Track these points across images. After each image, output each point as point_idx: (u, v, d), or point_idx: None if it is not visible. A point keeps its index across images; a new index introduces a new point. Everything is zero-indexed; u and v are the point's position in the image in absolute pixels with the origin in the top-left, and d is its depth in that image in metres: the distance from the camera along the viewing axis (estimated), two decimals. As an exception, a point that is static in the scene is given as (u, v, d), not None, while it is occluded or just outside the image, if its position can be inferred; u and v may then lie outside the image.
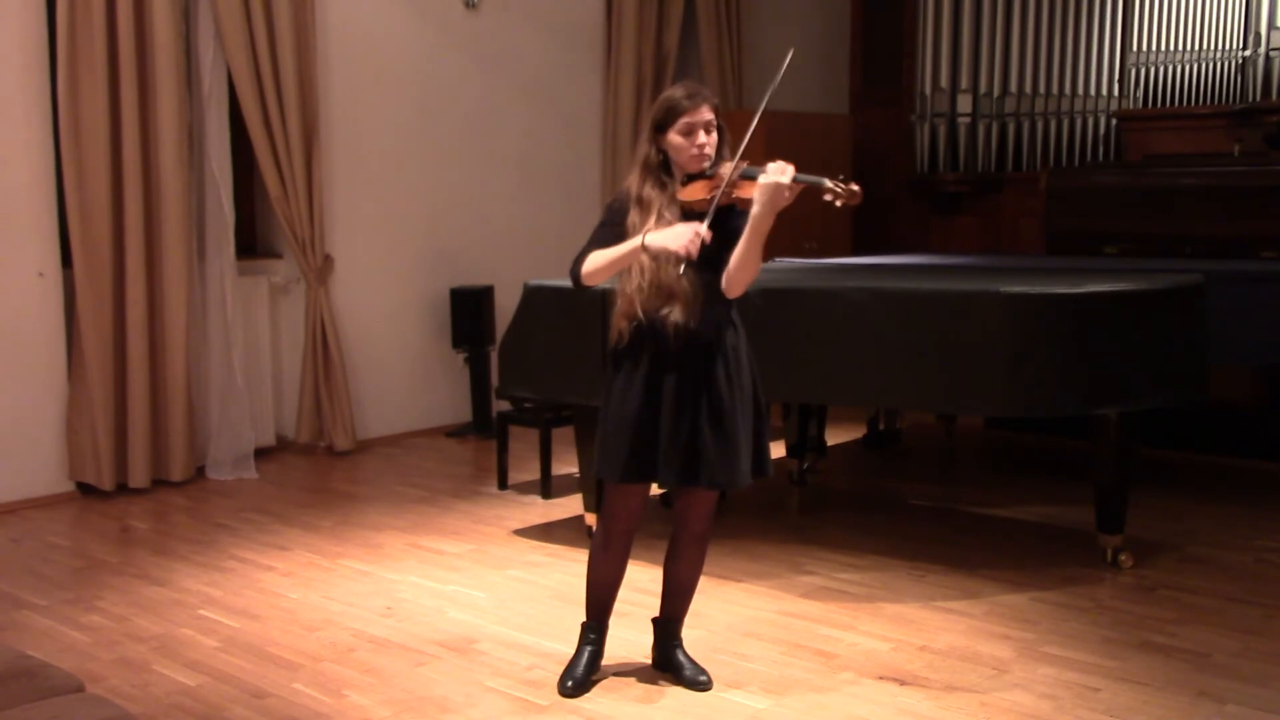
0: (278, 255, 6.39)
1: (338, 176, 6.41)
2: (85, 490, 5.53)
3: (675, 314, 3.06)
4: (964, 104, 8.13)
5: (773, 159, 3.01)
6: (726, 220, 3.04)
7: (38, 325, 5.39)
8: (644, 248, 3.01)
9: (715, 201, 3.01)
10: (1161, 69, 7.63)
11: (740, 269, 3.04)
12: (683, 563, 3.36)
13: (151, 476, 5.63)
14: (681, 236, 2.94)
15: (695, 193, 3.09)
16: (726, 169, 3.05)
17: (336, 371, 6.28)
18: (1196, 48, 7.51)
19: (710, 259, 3.02)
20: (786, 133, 7.67)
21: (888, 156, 8.66)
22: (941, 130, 8.15)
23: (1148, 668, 3.45)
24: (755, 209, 2.97)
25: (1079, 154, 7.97)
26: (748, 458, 3.19)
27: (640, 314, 3.09)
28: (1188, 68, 7.55)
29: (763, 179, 2.95)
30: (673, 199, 3.10)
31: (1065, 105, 7.98)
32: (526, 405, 5.49)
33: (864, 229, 8.46)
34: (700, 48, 8.03)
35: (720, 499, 5.21)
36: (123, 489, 5.57)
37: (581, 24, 7.58)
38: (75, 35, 5.25)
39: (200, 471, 5.85)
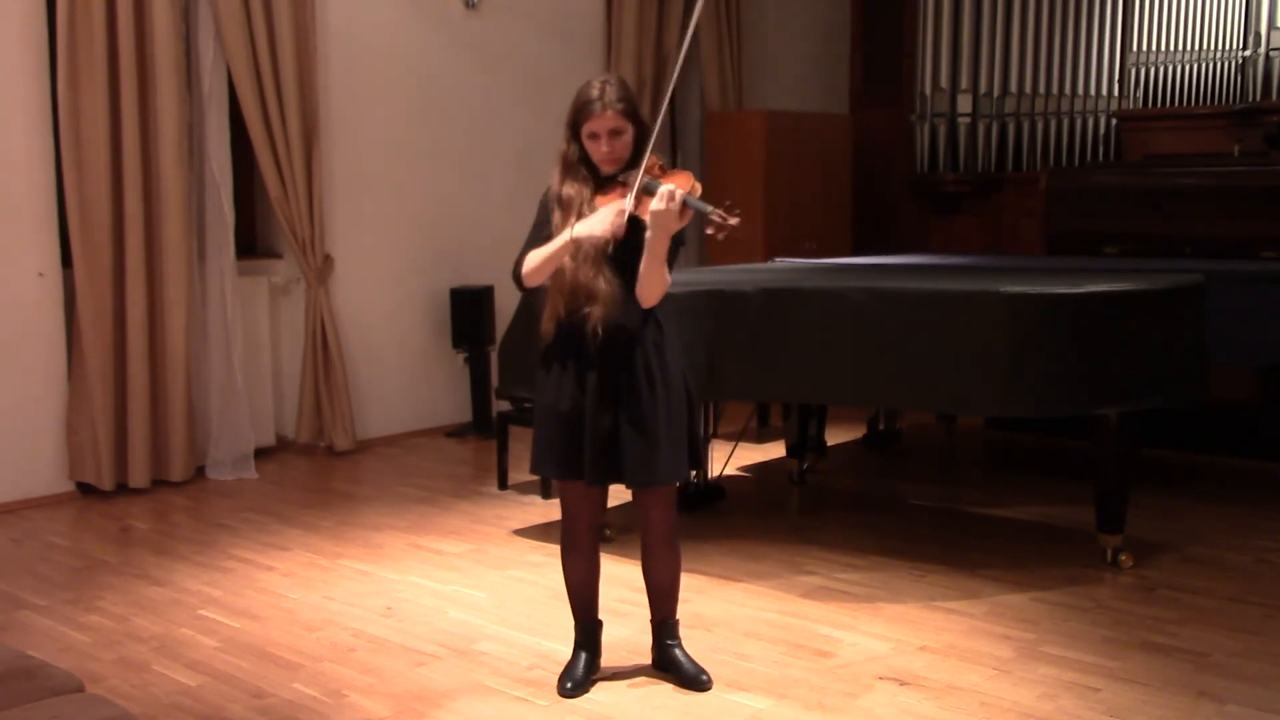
0: (278, 255, 6.40)
1: (338, 176, 6.41)
2: (85, 490, 5.53)
3: (595, 313, 3.08)
4: (964, 104, 8.14)
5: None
6: (635, 229, 3.06)
7: (38, 325, 5.39)
8: (574, 240, 3.06)
9: (627, 214, 3.03)
10: (1161, 69, 7.64)
11: (644, 284, 3.11)
12: (656, 563, 3.35)
13: (151, 476, 5.63)
14: (605, 220, 3.01)
15: (609, 202, 3.10)
16: (636, 176, 3.08)
17: (336, 371, 6.28)
18: (1196, 48, 7.51)
19: (627, 265, 3.09)
20: (787, 133, 7.68)
21: (888, 156, 8.66)
22: (941, 130, 8.16)
23: (1148, 668, 3.45)
24: (648, 233, 3.02)
25: (1079, 154, 7.97)
26: (675, 453, 3.19)
27: (563, 313, 3.13)
28: (1188, 68, 7.55)
29: (653, 206, 2.98)
30: (591, 199, 3.12)
31: (1065, 105, 7.99)
32: (526, 405, 5.49)
33: (864, 229, 8.47)
34: (700, 48, 8.03)
35: (720, 499, 5.26)
36: (123, 489, 5.57)
37: (581, 24, 7.58)
38: (75, 35, 5.25)
39: (200, 471, 5.85)
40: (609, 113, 3.07)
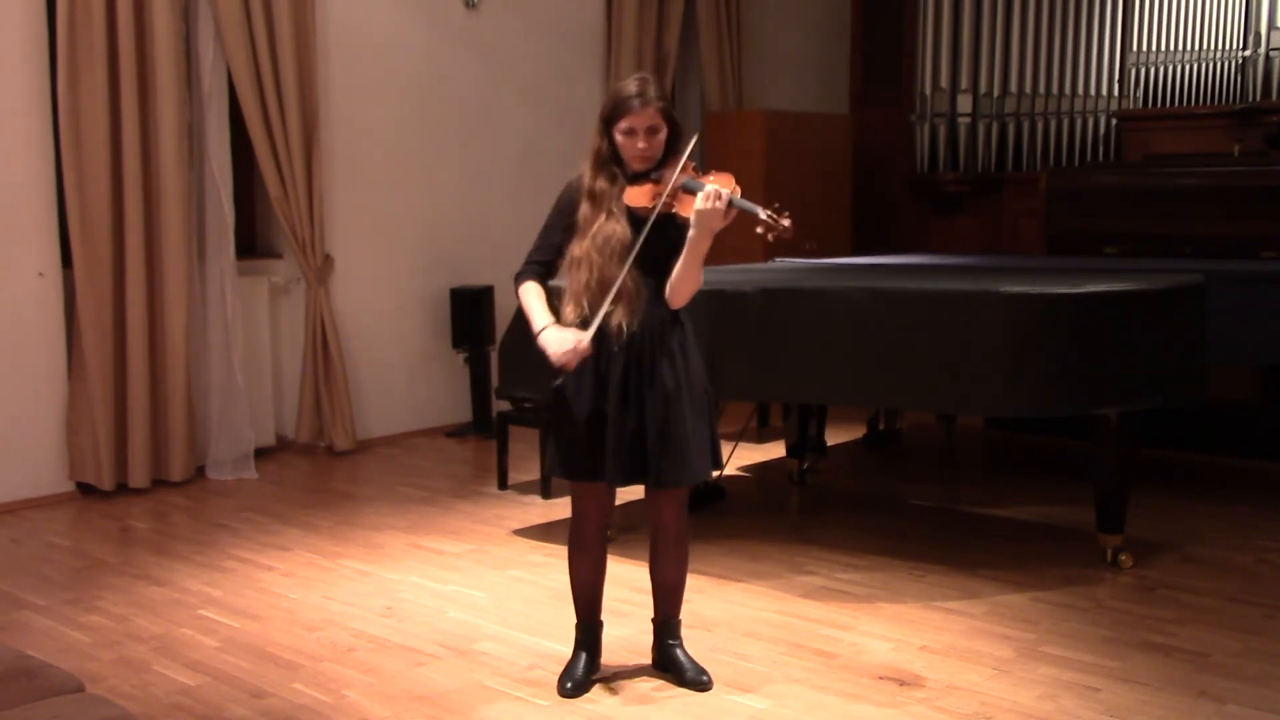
0: (278, 255, 6.39)
1: (338, 176, 6.41)
2: (85, 490, 5.53)
3: (618, 314, 3.08)
4: (964, 104, 8.14)
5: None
6: (667, 227, 3.07)
7: (38, 325, 5.39)
8: (537, 336, 3.12)
9: (656, 211, 3.04)
10: (1161, 69, 7.64)
11: (679, 284, 3.11)
12: (664, 563, 3.35)
13: (151, 476, 5.63)
14: (564, 344, 3.04)
15: (639, 198, 3.11)
16: (670, 174, 3.08)
17: (336, 371, 6.28)
18: (1196, 48, 7.51)
19: (653, 263, 3.09)
20: (787, 133, 7.68)
21: (888, 156, 8.66)
22: (941, 130, 8.16)
23: (1148, 668, 3.45)
24: (691, 232, 3.02)
25: (1079, 154, 7.97)
26: (699, 454, 3.19)
27: (586, 312, 3.12)
28: (1188, 68, 7.55)
29: (697, 205, 2.98)
30: (621, 194, 3.13)
31: (1065, 105, 7.99)
32: (526, 405, 5.49)
33: (864, 229, 8.47)
34: (700, 48, 8.03)
35: (719, 499, 5.26)
36: (123, 489, 5.57)
37: (581, 24, 7.58)
38: (75, 35, 5.25)
39: (200, 471, 5.85)
40: (650, 109, 3.07)
